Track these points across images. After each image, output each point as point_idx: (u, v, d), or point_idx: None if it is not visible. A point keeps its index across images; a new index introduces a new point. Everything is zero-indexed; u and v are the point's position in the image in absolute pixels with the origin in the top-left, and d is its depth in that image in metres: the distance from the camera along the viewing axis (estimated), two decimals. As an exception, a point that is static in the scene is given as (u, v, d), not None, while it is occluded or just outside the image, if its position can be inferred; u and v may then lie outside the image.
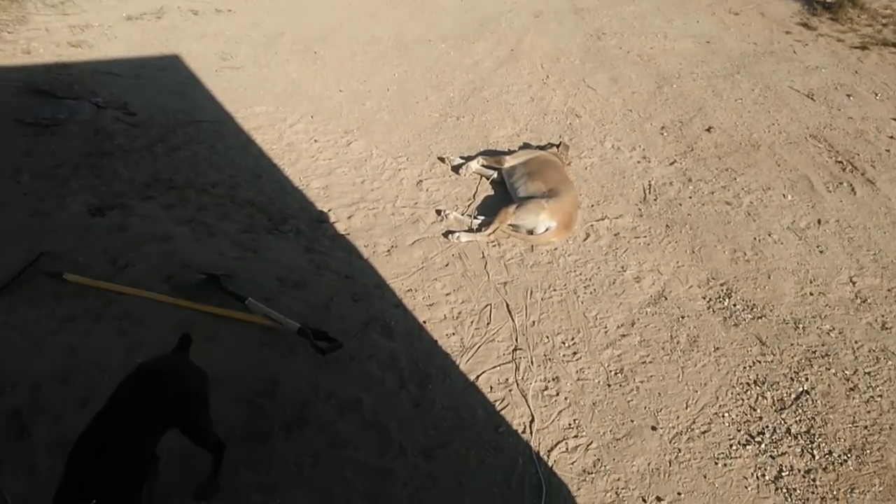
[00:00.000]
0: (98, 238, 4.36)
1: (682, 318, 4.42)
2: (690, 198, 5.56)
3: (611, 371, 4.06)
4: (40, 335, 3.70)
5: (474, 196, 5.48)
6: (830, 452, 3.62)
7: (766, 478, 3.48)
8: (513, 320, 4.33)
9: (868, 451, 3.63)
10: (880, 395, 3.93)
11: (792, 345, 4.24)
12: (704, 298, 4.58)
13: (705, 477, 3.49)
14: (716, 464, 3.54)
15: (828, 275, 4.81)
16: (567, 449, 3.56)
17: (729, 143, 6.31)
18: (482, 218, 5.13)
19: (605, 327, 4.36)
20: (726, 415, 3.80)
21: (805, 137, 6.42)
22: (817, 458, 3.59)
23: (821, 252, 5.02)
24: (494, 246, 4.92)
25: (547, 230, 4.99)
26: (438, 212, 5.17)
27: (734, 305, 4.52)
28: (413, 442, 3.46)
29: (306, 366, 3.73)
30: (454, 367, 3.95)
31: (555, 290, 4.61)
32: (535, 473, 3.39)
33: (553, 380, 3.96)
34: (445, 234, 4.96)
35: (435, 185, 5.54)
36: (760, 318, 4.43)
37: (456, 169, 5.70)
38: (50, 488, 3.03)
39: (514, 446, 3.54)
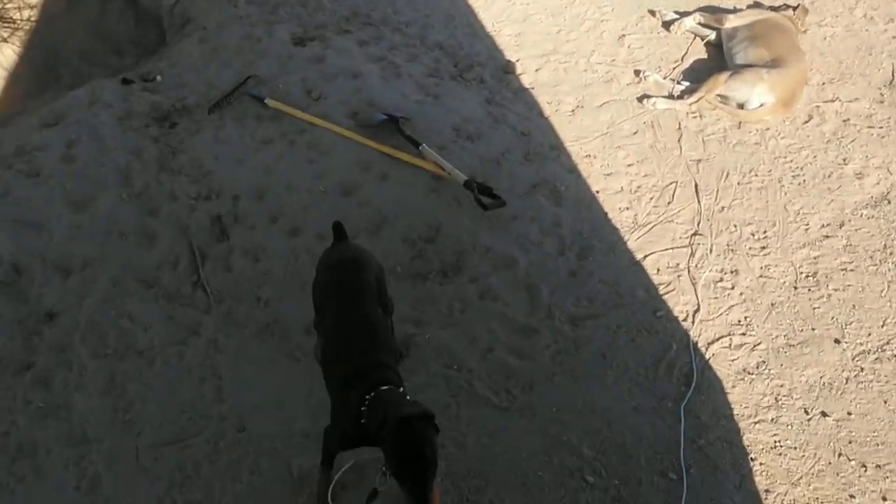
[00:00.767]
0: (298, 67, 4.58)
1: (906, 227, 3.74)
2: (957, 86, 4.49)
3: (802, 273, 3.61)
4: (243, 153, 4.08)
5: (682, 58, 4.87)
6: None
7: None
8: (699, 203, 3.95)
9: None
10: None
11: None
12: (941, 210, 3.81)
13: (885, 402, 3.10)
14: (903, 392, 3.11)
15: None
16: (730, 345, 3.31)
17: None
18: (686, 84, 4.57)
19: (807, 224, 3.83)
20: (932, 344, 3.26)
21: None
22: None
23: None
24: (694, 117, 4.42)
25: (762, 105, 4.34)
26: (637, 72, 4.70)
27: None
28: (563, 309, 3.41)
29: (468, 218, 3.74)
30: (621, 243, 3.75)
31: (756, 175, 4.09)
32: (689, 363, 3.22)
33: (731, 272, 3.62)
34: (640, 99, 4.52)
35: (639, 41, 4.99)
36: None
37: (667, 25, 5.06)
38: (241, 285, 3.50)
39: (671, 332, 3.36)
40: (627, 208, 3.92)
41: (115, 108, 4.26)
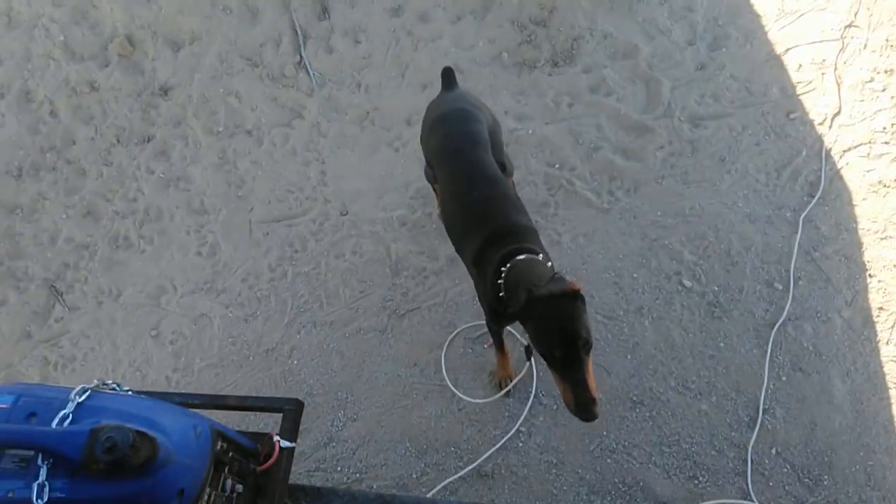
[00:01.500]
0: None
1: None
2: None
3: (977, 76, 3.07)
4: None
5: None
6: None
7: None
8: (863, -13, 3.33)
9: None
10: None
11: None
12: None
13: None
14: None
15: None
16: (868, 154, 2.96)
17: None
18: None
19: None
20: None
21: None
22: None
23: None
24: None
25: None
26: None
27: None
28: (684, 106, 3.12)
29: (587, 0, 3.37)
30: (760, 33, 3.28)
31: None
32: (818, 171, 2.93)
33: (885, 72, 3.13)
34: None
35: None
36: None
37: None
38: (342, 68, 3.42)
39: (803, 137, 3.03)
40: (775, -9, 3.38)
41: None
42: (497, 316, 2.05)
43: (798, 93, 3.13)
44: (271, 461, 1.64)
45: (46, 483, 1.30)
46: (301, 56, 3.44)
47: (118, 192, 3.25)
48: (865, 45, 3.21)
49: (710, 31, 3.29)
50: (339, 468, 2.46)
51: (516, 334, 2.64)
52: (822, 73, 3.16)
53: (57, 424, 1.35)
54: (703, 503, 2.25)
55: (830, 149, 2.99)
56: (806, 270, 2.71)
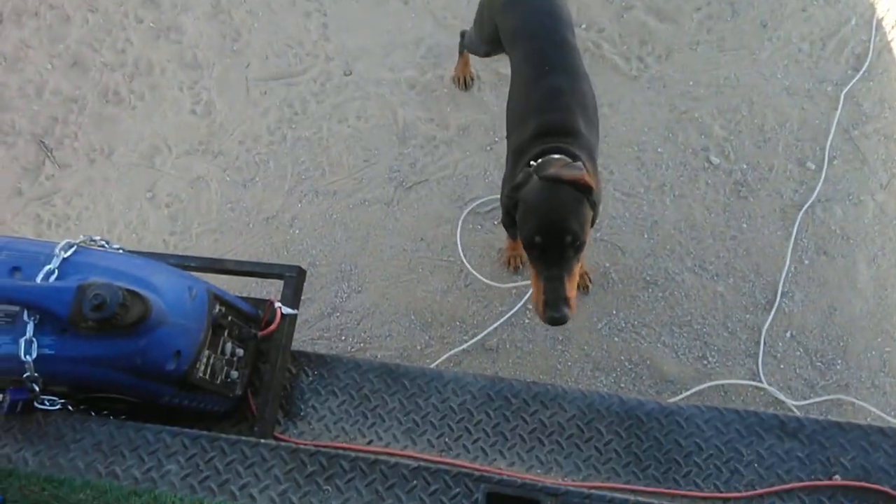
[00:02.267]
0: None
1: None
2: None
3: None
4: None
5: None
6: None
7: None
8: None
9: None
10: None
11: None
12: None
13: None
14: None
15: None
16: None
17: None
18: None
19: None
20: None
21: None
22: None
23: None
24: None
25: None
26: None
27: None
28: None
29: None
30: None
31: None
32: (866, 41, 2.68)
33: (958, -70, 2.79)
34: None
35: None
36: None
37: None
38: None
39: (853, 3, 2.75)
40: None
41: None
42: (510, 219, 1.80)
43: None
44: (272, 327, 1.57)
45: (34, 339, 1.23)
46: None
47: (105, 42, 3.00)
48: None
49: None
50: (343, 338, 2.42)
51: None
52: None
53: (42, 280, 1.26)
54: (711, 383, 2.22)
55: (882, 18, 2.73)
56: (842, 150, 2.54)
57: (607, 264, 2.43)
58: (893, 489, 1.39)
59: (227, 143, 2.77)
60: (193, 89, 2.87)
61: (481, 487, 1.21)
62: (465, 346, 2.34)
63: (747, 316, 2.32)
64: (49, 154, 2.84)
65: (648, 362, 2.29)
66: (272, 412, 1.52)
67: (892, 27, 2.72)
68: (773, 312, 2.30)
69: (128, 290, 1.20)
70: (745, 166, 2.53)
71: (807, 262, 2.38)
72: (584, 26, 2.77)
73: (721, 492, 1.42)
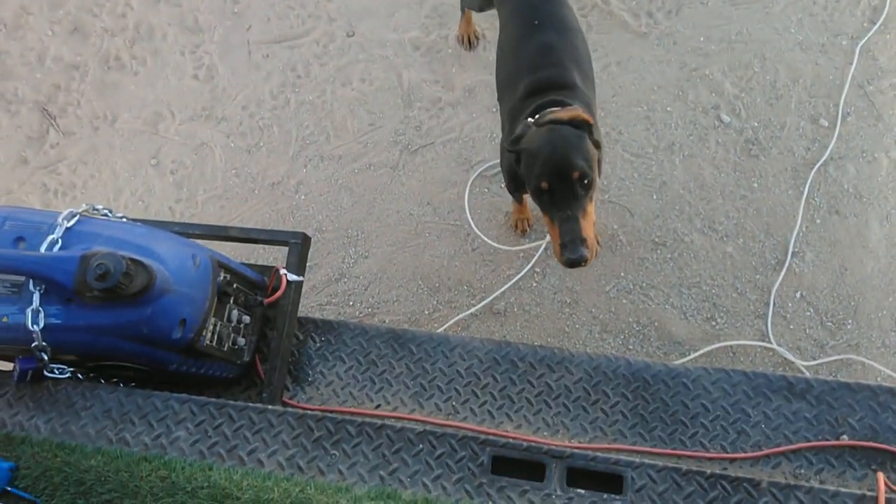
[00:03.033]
0: None
1: None
2: None
3: None
4: None
5: None
6: None
7: None
8: None
9: None
10: None
11: None
12: None
13: None
14: None
15: None
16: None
17: None
18: None
19: None
20: None
21: None
22: None
23: None
24: None
25: None
26: None
27: None
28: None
29: None
30: None
31: None
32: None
33: None
34: None
35: None
36: None
37: None
38: None
39: (873, -47, 2.65)
40: None
41: None
42: (515, 181, 1.77)
43: None
44: (278, 294, 1.57)
45: (41, 309, 1.24)
46: None
47: (105, 7, 2.95)
48: None
49: None
50: (350, 303, 2.43)
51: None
52: None
53: (46, 250, 1.26)
54: (719, 344, 2.22)
55: (903, -33, 2.63)
56: (856, 106, 2.48)
57: (615, 226, 2.41)
58: (901, 449, 1.39)
59: (231, 108, 2.75)
60: (195, 53, 2.83)
61: (487, 451, 1.22)
62: (472, 310, 2.34)
63: (757, 276, 2.30)
64: (53, 122, 2.83)
65: (656, 324, 2.28)
66: (280, 378, 1.53)
67: (912, -23, 2.62)
68: (783, 272, 2.28)
69: (131, 259, 1.20)
70: (756, 124, 2.48)
71: (818, 221, 2.35)
72: (591, -18, 2.70)
73: (727, 452, 1.43)
